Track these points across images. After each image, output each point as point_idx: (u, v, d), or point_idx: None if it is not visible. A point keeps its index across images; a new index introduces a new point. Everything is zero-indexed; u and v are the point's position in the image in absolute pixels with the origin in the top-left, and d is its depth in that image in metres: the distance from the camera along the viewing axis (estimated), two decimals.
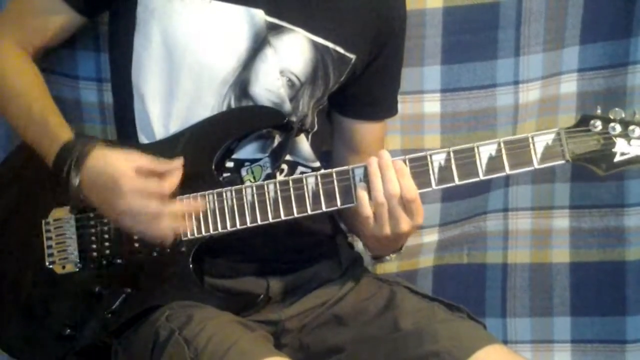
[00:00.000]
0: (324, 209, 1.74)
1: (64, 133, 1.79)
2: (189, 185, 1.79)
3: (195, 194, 1.79)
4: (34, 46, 1.93)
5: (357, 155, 2.01)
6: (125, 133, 1.92)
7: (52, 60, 2.10)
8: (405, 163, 1.71)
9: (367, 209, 1.71)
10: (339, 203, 1.74)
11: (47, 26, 1.91)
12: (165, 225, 1.74)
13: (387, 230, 1.72)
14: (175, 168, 1.76)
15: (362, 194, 1.71)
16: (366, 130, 2.06)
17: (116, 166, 1.73)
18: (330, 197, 1.74)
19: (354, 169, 1.73)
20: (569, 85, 2.30)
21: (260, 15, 1.82)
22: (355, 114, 2.06)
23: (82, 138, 1.78)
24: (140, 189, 1.71)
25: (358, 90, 2.00)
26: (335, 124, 2.09)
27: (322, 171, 1.75)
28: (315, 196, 1.74)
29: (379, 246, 1.85)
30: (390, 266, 2.37)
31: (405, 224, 1.71)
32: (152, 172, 1.74)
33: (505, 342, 2.38)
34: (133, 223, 1.76)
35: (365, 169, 1.72)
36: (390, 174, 1.69)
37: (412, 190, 1.69)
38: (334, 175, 1.73)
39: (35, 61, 1.93)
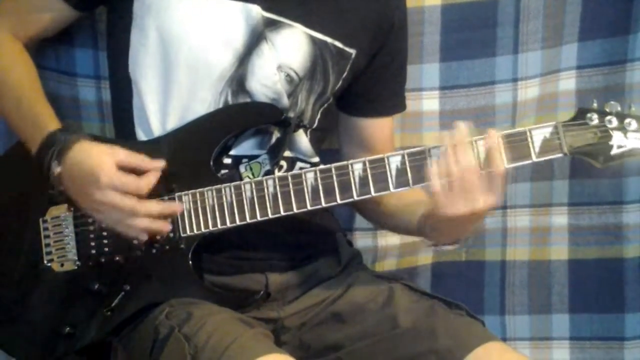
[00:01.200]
0: (323, 204, 1.74)
1: (50, 123, 1.81)
2: (187, 181, 1.80)
3: (194, 190, 1.79)
4: (28, 37, 1.95)
5: (367, 152, 1.97)
6: (123, 130, 1.93)
7: (50, 57, 2.12)
8: (404, 158, 1.71)
9: (437, 183, 1.66)
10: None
11: (41, 20, 1.93)
12: (139, 223, 1.75)
13: (461, 206, 1.67)
14: (155, 168, 1.76)
15: (434, 169, 1.66)
16: (375, 127, 2.06)
17: (97, 158, 1.73)
18: (329, 193, 1.73)
19: (430, 149, 1.70)
20: (568, 82, 2.30)
21: (256, 11, 1.82)
22: (363, 111, 2.05)
23: (67, 129, 1.79)
24: (118, 184, 1.72)
25: (364, 86, 2.00)
26: (343, 123, 2.08)
27: (322, 166, 1.74)
28: (315, 191, 1.74)
29: (447, 229, 1.78)
30: (389, 263, 2.38)
31: (480, 200, 1.66)
32: (132, 169, 1.75)
33: (503, 339, 2.37)
34: (107, 217, 1.77)
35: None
36: (467, 148, 1.67)
37: (499, 165, 1.66)
38: (333, 170, 1.73)
39: (29, 51, 1.94)
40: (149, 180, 1.74)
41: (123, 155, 1.75)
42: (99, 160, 1.73)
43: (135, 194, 1.73)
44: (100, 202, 1.74)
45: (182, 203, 1.78)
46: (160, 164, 1.77)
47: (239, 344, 1.64)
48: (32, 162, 1.80)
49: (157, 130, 1.86)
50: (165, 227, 1.77)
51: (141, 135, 1.88)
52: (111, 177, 1.72)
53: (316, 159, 1.94)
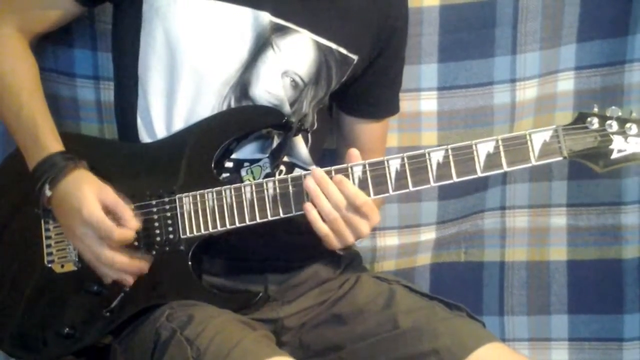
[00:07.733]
0: None
1: (50, 143, 1.82)
2: (188, 183, 1.80)
3: (194, 192, 1.79)
4: (34, 33, 1.94)
5: (360, 153, 2.00)
6: (126, 131, 1.92)
7: (49, 58, 2.11)
8: (404, 161, 1.71)
9: (323, 228, 1.72)
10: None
11: (48, 16, 1.92)
12: (102, 269, 1.79)
13: (351, 238, 1.74)
14: (132, 226, 1.77)
15: (314, 215, 1.72)
16: (367, 129, 2.07)
17: (85, 193, 1.76)
18: None
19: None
20: (566, 83, 2.29)
21: (265, 17, 1.82)
22: (357, 112, 2.06)
23: (65, 155, 1.81)
24: (94, 223, 1.74)
25: (360, 89, 2.00)
26: (338, 122, 2.10)
27: (322, 169, 1.74)
28: None
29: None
30: (388, 264, 2.38)
31: (364, 227, 1.73)
32: (114, 213, 1.77)
33: (502, 340, 2.33)
34: (82, 251, 1.81)
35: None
36: (331, 188, 1.70)
37: (358, 195, 1.70)
38: (333, 173, 1.72)
39: (32, 46, 1.95)
40: (124, 235, 1.76)
41: (111, 199, 1.77)
42: (86, 195, 1.75)
43: (106, 240, 1.75)
44: (79, 236, 1.77)
45: (150, 263, 1.81)
46: (138, 225, 1.78)
47: (242, 348, 1.64)
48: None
49: (161, 133, 1.86)
50: (127, 281, 1.80)
51: (144, 137, 1.88)
52: (91, 214, 1.74)
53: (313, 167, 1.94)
